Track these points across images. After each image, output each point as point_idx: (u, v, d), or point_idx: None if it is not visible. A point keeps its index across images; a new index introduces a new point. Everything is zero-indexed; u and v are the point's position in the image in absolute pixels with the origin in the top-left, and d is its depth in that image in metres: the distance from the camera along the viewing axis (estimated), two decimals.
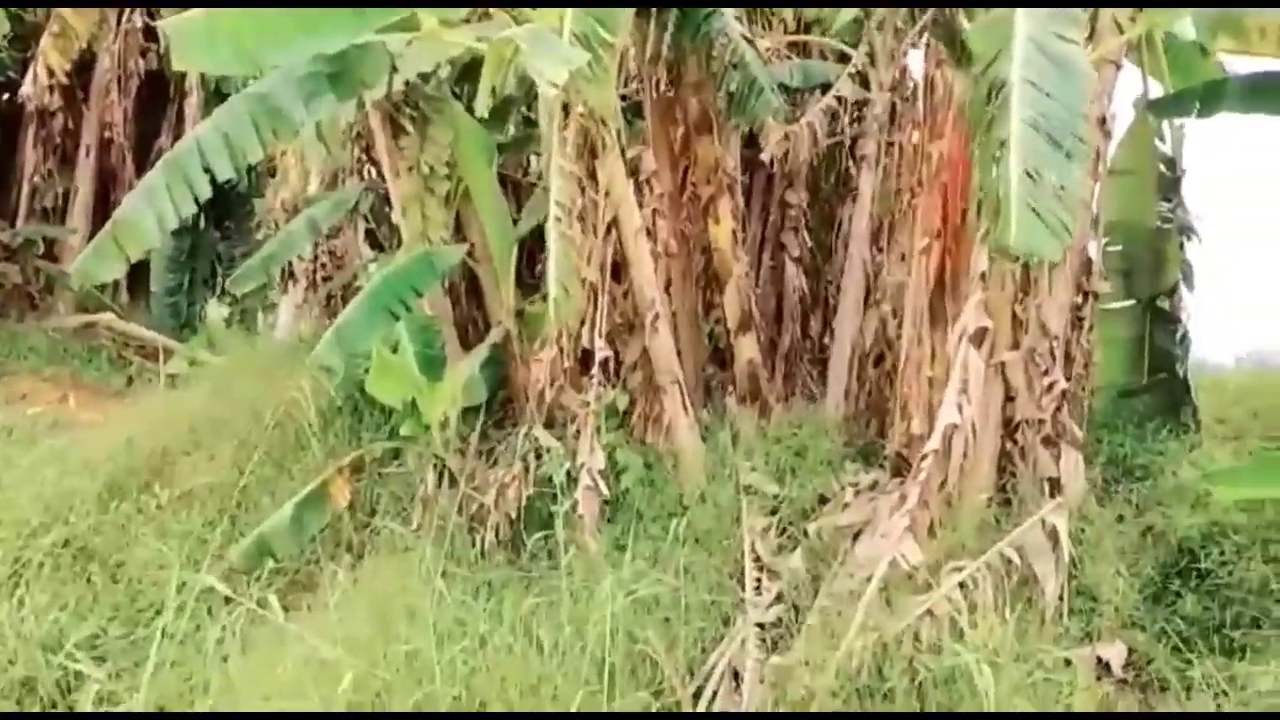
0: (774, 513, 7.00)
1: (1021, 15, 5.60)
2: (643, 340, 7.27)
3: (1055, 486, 6.76)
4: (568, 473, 6.89)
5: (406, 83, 7.38)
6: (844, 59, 9.92)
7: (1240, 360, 12.19)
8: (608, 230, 7.10)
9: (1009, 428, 6.86)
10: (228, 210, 17.27)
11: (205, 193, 6.29)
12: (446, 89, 8.01)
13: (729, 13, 8.01)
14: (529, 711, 5.64)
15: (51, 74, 15.35)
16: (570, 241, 6.48)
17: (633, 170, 7.16)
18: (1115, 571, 6.47)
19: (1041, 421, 6.80)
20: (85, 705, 6.81)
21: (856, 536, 6.79)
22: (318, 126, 9.10)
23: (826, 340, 9.98)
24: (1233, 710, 5.55)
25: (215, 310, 18.59)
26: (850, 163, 10.00)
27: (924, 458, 6.20)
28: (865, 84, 9.09)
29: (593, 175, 7.00)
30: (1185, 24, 8.32)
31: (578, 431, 6.99)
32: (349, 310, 6.98)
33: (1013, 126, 5.10)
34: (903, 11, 8.88)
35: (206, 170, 6.23)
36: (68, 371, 14.48)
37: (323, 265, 13.57)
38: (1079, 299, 7.39)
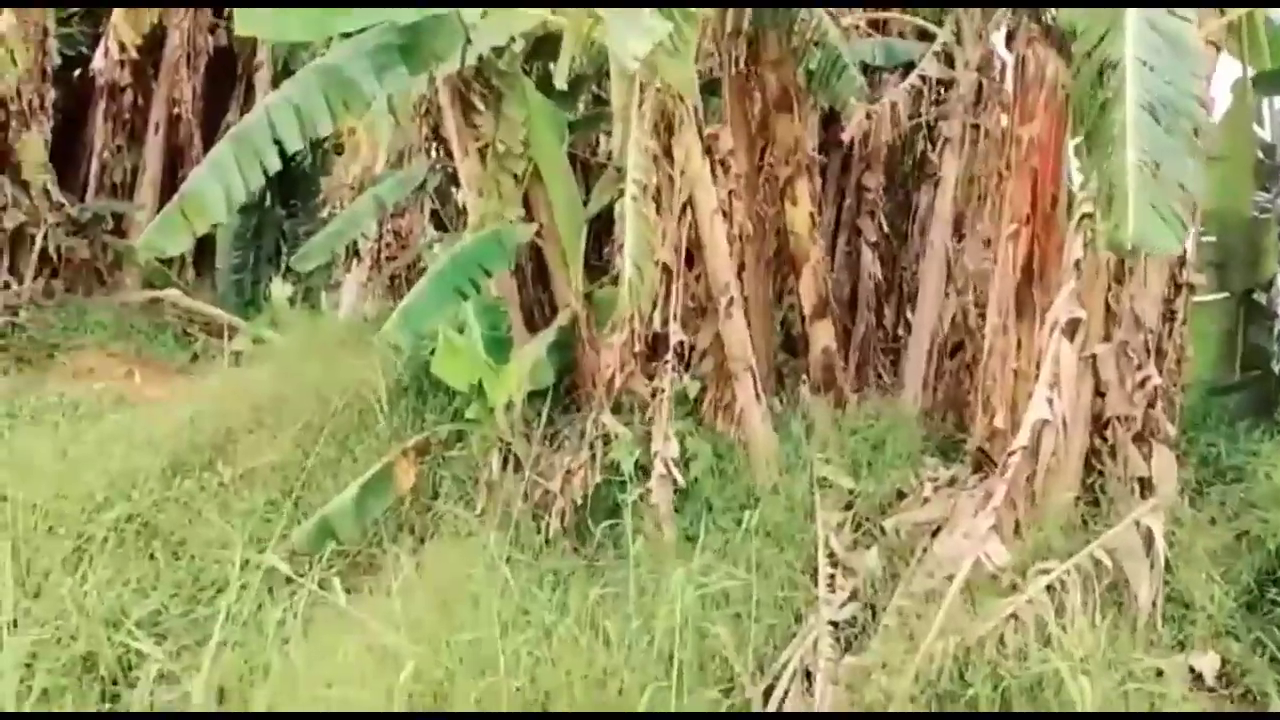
0: (849, 507, 6.75)
1: None
2: (716, 325, 7.04)
3: (1146, 486, 6.47)
4: (636, 461, 6.68)
5: (480, 57, 7.18)
6: (924, 36, 9.61)
7: None
8: (683, 211, 6.87)
9: (1098, 424, 6.56)
10: (293, 188, 17.28)
11: (274, 165, 6.16)
12: (519, 65, 7.81)
13: None
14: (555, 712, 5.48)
15: (123, 49, 15.40)
16: (646, 221, 6.26)
17: (708, 149, 6.92)
18: (1207, 577, 6.17)
19: (1133, 418, 6.51)
20: (145, 684, 6.79)
21: (935, 534, 6.55)
22: (389, 101, 8.95)
23: (900, 330, 9.72)
24: None
25: (279, 288, 18.65)
26: (929, 145, 9.71)
27: (1011, 454, 5.92)
28: (950, 63, 8.76)
29: (668, 153, 6.77)
30: None
31: (650, 418, 6.77)
32: (417, 289, 6.82)
33: (1128, 112, 4.81)
34: None
35: (276, 143, 6.09)
36: (133, 347, 14.57)
37: (387, 244, 13.49)
38: (1171, 291, 7.07)
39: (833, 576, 6.36)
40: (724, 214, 6.95)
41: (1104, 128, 4.94)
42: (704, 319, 7.09)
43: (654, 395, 6.95)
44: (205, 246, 17.33)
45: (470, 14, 6.53)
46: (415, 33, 6.33)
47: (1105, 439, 6.56)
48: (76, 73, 16.87)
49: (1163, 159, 4.70)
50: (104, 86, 16.37)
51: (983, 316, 7.97)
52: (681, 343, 6.86)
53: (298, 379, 10.93)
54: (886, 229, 9.33)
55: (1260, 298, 8.13)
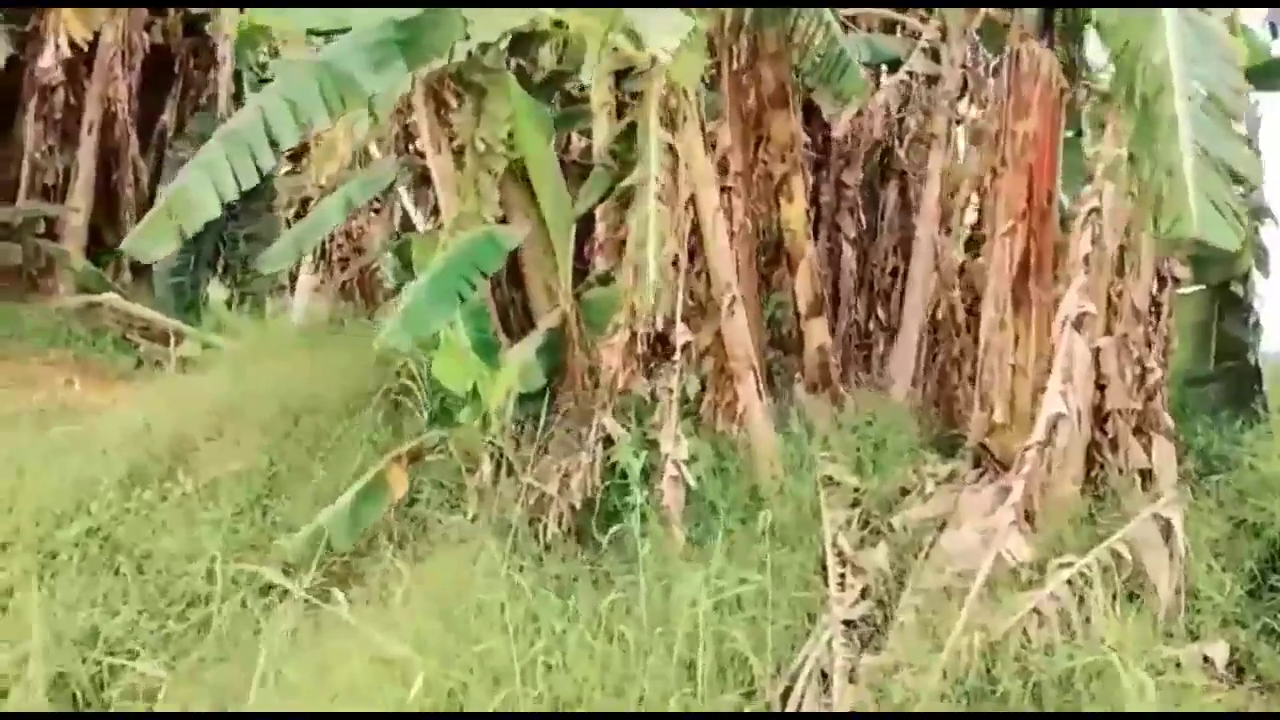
0: (855, 505, 6.69)
1: None
2: (716, 324, 6.95)
3: (1147, 478, 6.50)
4: (640, 463, 6.54)
5: (469, 53, 7.01)
6: (890, 29, 9.64)
7: None
8: (685, 208, 6.76)
9: (1099, 417, 6.58)
10: None
11: (269, 163, 5.93)
12: (504, 61, 7.65)
13: None
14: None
15: (73, 46, 14.86)
16: (664, 219, 6.14)
17: (710, 145, 6.82)
18: (1209, 567, 6.22)
19: (1133, 411, 6.54)
20: (121, 702, 6.53)
21: (941, 530, 6.52)
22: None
23: (876, 327, 9.70)
24: None
25: (216, 292, 18.23)
26: (897, 142, 9.71)
27: (1027, 448, 5.91)
28: (935, 58, 8.77)
29: (670, 150, 6.65)
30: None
31: (659, 420, 6.64)
32: (413, 292, 6.62)
33: (1177, 104, 4.79)
34: None
35: (271, 140, 5.86)
36: (72, 354, 14.10)
37: (339, 246, 13.19)
38: (1156, 284, 7.13)
39: (843, 575, 6.29)
40: (725, 211, 6.86)
41: (1152, 122, 4.91)
42: (705, 318, 6.99)
43: (654, 396, 6.83)
44: None
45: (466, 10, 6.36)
46: (414, 28, 6.14)
47: (1105, 432, 6.59)
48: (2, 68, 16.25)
49: (1218, 150, 4.70)
50: (36, 85, 15.78)
51: (970, 312, 8.02)
52: (688, 343, 6.74)
53: (256, 385, 10.61)
54: (865, 226, 9.31)
55: (1237, 289, 8.25)
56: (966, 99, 8.73)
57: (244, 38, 15.96)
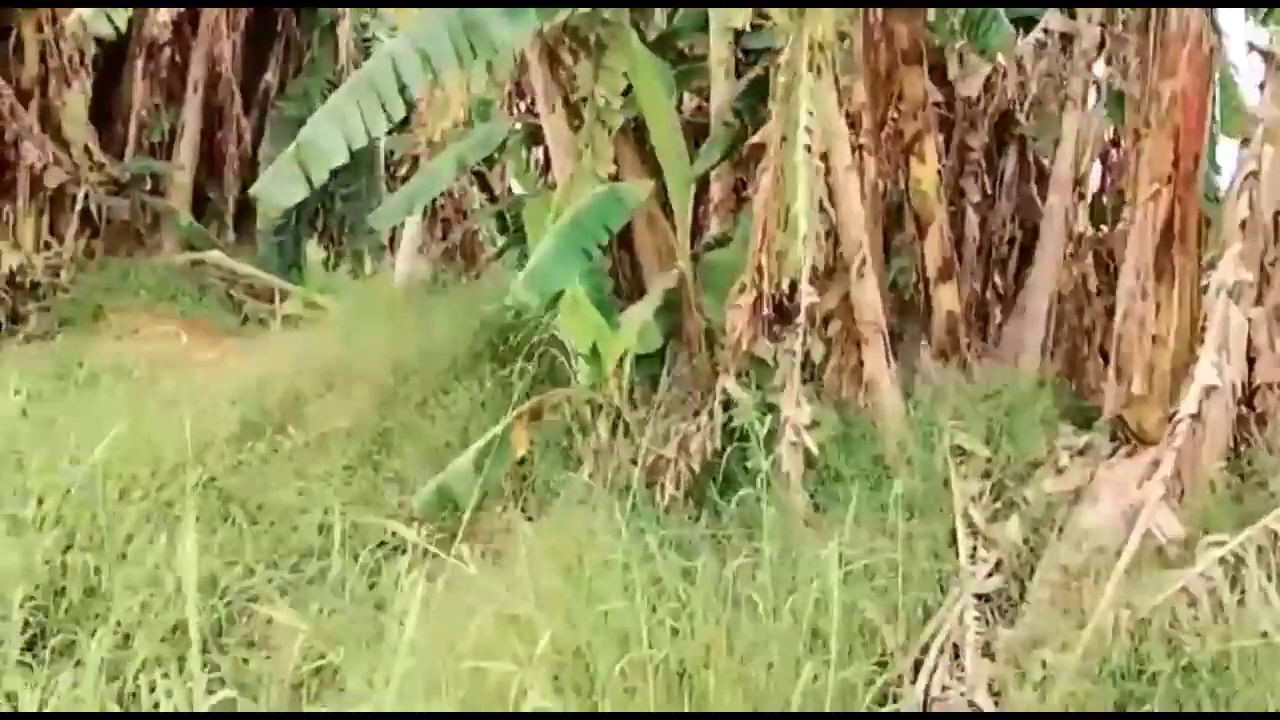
0: (986, 476, 6.49)
1: None
2: (845, 286, 6.76)
3: None
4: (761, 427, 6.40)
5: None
6: None
7: None
8: (817, 166, 6.57)
9: (1246, 391, 6.31)
10: None
11: (399, 112, 5.88)
12: (626, 14, 7.50)
13: None
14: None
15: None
16: (820, 176, 5.97)
17: (841, 102, 6.63)
18: None
19: None
20: (238, 650, 6.58)
21: (1074, 503, 6.31)
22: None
23: (988, 296, 9.42)
24: None
25: (313, 252, 18.39)
26: (1018, 106, 9.40)
27: (1179, 421, 5.67)
28: (1072, 15, 8.43)
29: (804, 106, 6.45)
30: None
31: (783, 383, 6.50)
32: (541, 250, 6.54)
33: None
34: None
35: (401, 87, 5.79)
36: (178, 309, 14.30)
37: (441, 207, 13.22)
38: None
39: (974, 548, 6.11)
40: (858, 170, 6.67)
41: None
42: (831, 279, 6.81)
43: (775, 360, 6.68)
44: (244, 208, 17.04)
45: None
46: None
47: (1254, 407, 6.31)
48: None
49: None
50: (142, 44, 15.96)
51: (1105, 280, 7.75)
52: (813, 305, 6.57)
53: (363, 343, 10.72)
54: (990, 190, 9.01)
55: None
56: (1103, 58, 8.38)
57: None
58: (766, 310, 6.59)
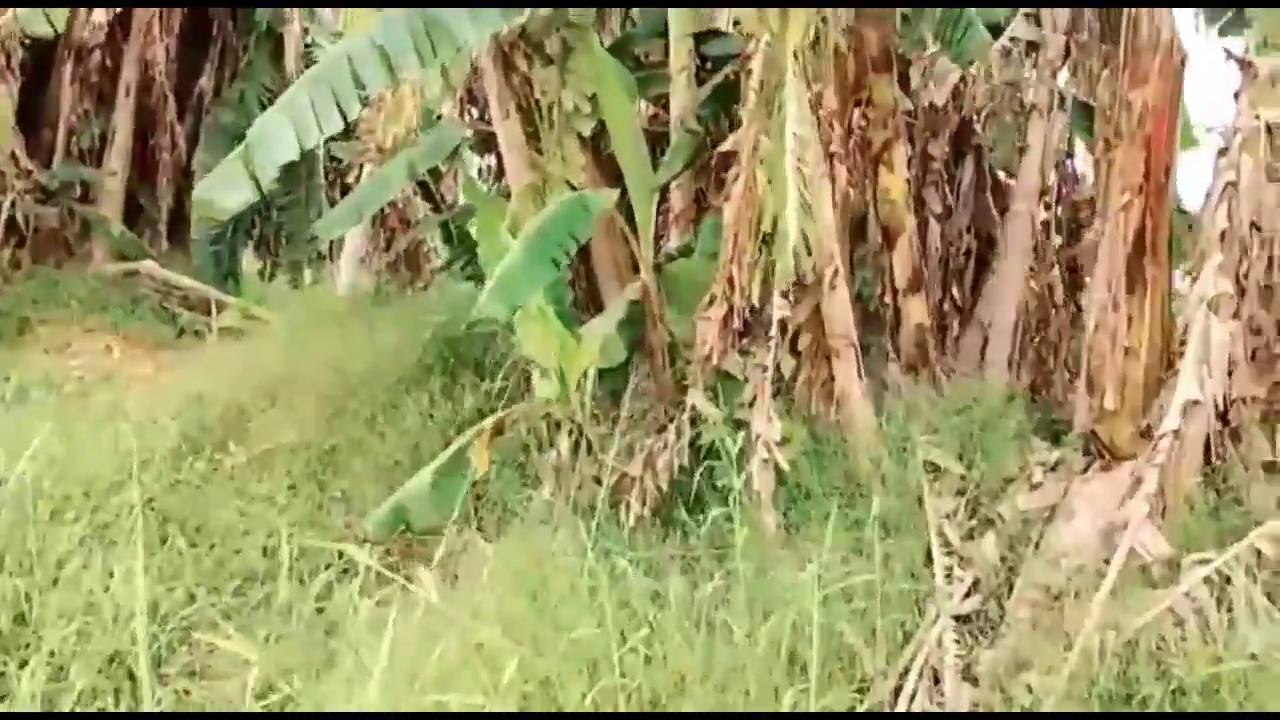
0: (960, 493, 6.34)
1: None
2: (815, 299, 6.58)
3: (1272, 470, 6.14)
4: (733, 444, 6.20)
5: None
6: None
7: None
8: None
9: (1222, 405, 6.22)
10: None
11: (354, 111, 5.63)
12: (591, 17, 7.29)
13: None
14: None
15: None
16: (808, 184, 5.78)
17: (813, 109, 6.45)
18: None
19: (1258, 399, 6.19)
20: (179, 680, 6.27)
21: (1049, 520, 6.19)
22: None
23: (946, 307, 9.32)
24: None
25: (247, 262, 17.96)
26: (976, 115, 9.33)
27: (1161, 436, 5.56)
28: (1038, 23, 8.35)
29: (769, 115, 6.27)
30: None
31: (749, 399, 6.30)
32: (507, 260, 6.27)
33: None
34: None
35: (359, 85, 5.51)
36: (110, 321, 13.81)
37: (385, 216, 12.88)
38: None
39: (950, 567, 5.96)
40: (830, 179, 6.50)
41: None
42: (804, 292, 6.63)
43: (744, 373, 6.48)
44: (178, 216, 16.57)
45: None
46: None
47: (1228, 421, 6.23)
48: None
49: None
50: (71, 46, 15.40)
51: (1069, 292, 7.67)
52: (785, 318, 6.39)
53: (307, 356, 10.38)
54: (948, 200, 8.91)
55: None
56: (1068, 68, 8.31)
57: None
58: (736, 323, 6.40)
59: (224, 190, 5.70)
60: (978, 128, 9.35)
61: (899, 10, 7.33)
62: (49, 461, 7.54)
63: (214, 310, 13.58)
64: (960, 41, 7.22)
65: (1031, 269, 8.08)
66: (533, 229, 6.55)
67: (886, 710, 5.35)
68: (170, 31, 16.21)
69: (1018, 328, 8.02)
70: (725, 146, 6.47)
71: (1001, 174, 9.49)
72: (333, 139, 12.78)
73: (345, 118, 5.66)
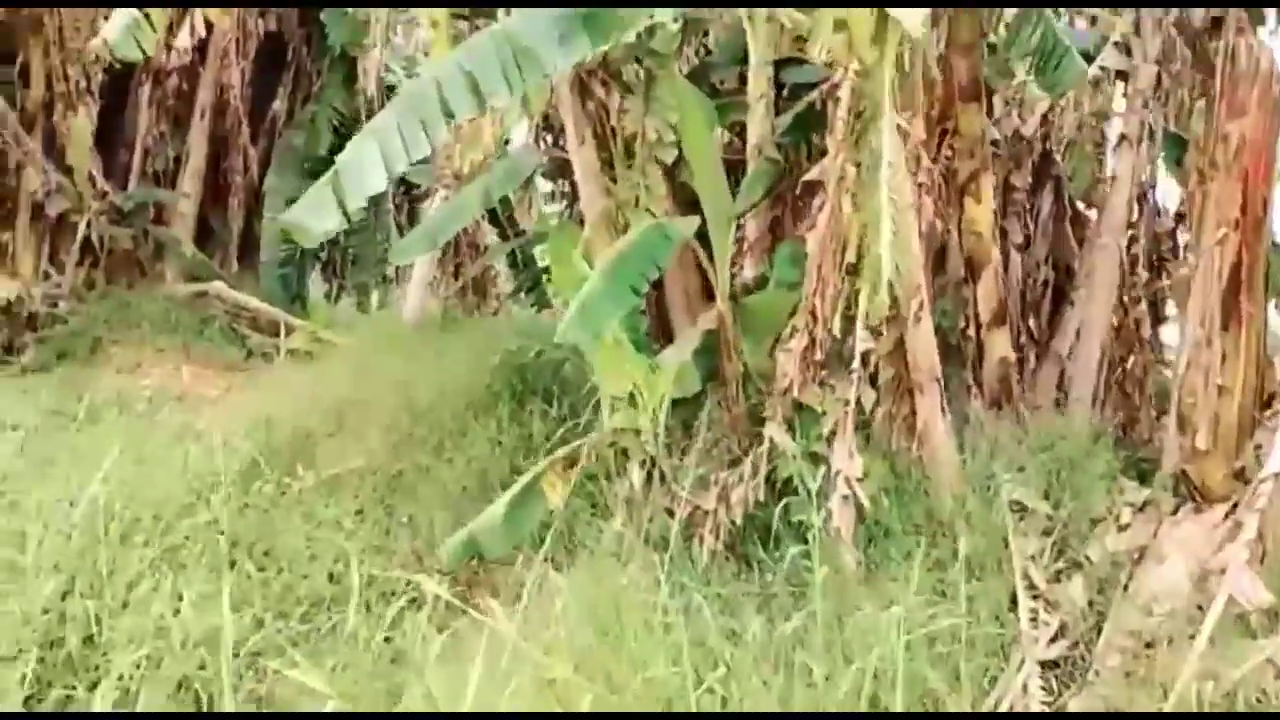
0: (1046, 533, 6.15)
1: None
2: (898, 331, 6.44)
3: None
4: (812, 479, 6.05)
5: (638, 36, 6.61)
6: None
7: None
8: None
9: None
10: None
11: (441, 137, 5.57)
12: (674, 45, 7.23)
13: None
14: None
15: (209, 28, 14.66)
16: (907, 216, 5.66)
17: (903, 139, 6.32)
18: None
19: None
20: (247, 708, 6.21)
21: (1138, 563, 5.98)
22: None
23: (1024, 341, 9.10)
24: None
25: (315, 286, 18.07)
26: (1047, 144, 9.15)
27: (1263, 481, 5.35)
28: (1128, 53, 8.16)
29: (857, 145, 6.16)
30: None
31: (829, 433, 6.16)
32: (589, 287, 6.19)
33: None
34: None
35: (447, 112, 5.47)
36: (180, 342, 13.91)
37: (455, 241, 12.89)
38: None
39: (1035, 611, 5.76)
40: (917, 209, 6.37)
41: None
42: (887, 324, 6.48)
43: (824, 408, 6.34)
44: (248, 238, 16.73)
45: None
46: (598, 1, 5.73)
47: None
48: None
49: None
50: (149, 70, 15.63)
51: (1155, 327, 7.45)
52: (867, 351, 6.25)
53: (375, 380, 10.36)
54: (1033, 231, 8.73)
55: None
56: (1160, 98, 8.10)
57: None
58: (818, 355, 6.26)
59: (313, 216, 5.65)
60: (1057, 158, 9.18)
61: (987, 39, 7.19)
62: (120, 483, 7.55)
63: (282, 332, 13.63)
64: (1055, 71, 7.07)
65: (1119, 302, 7.86)
66: (613, 256, 6.47)
67: None
68: (246, 55, 16.36)
69: (1102, 363, 7.81)
70: (810, 175, 6.37)
71: (1080, 205, 9.28)
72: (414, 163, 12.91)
73: (432, 145, 5.62)
